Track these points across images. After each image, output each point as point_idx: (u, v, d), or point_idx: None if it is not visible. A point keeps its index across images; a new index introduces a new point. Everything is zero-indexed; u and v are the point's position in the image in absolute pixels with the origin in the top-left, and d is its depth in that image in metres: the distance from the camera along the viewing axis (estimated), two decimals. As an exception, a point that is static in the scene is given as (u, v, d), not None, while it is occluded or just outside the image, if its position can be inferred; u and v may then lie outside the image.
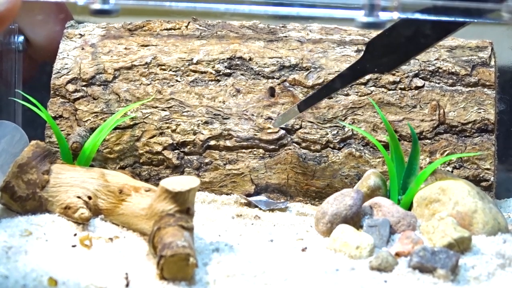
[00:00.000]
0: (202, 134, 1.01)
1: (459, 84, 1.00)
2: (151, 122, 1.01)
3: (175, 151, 1.01)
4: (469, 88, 0.99)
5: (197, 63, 1.02)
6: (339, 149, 0.99)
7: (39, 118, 0.97)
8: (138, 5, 0.91)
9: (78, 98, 1.03)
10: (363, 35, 1.03)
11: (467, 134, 0.98)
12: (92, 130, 0.99)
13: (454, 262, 0.77)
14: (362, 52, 0.92)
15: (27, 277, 0.72)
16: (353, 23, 0.82)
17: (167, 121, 1.01)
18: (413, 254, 0.78)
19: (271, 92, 1.02)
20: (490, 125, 0.98)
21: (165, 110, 1.01)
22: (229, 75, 1.02)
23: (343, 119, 1.00)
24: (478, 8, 0.82)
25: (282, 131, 1.00)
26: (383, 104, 0.99)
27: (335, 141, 0.99)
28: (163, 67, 1.03)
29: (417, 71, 1.00)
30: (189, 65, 1.02)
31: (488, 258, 0.80)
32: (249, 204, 0.98)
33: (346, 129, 0.99)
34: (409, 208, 0.90)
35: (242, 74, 1.02)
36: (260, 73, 1.02)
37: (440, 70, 1.00)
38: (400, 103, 0.99)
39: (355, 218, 0.86)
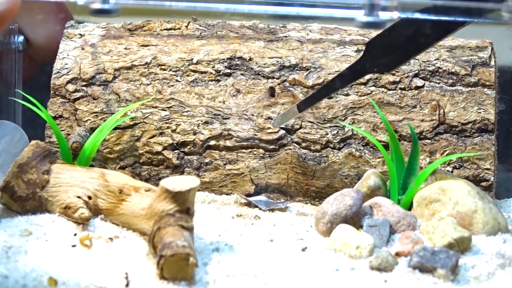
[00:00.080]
0: (202, 134, 1.01)
1: (459, 84, 1.00)
2: (151, 122, 1.01)
3: (175, 151, 1.01)
4: (469, 88, 0.99)
5: (197, 63, 1.02)
6: (339, 149, 0.99)
7: (39, 118, 0.97)
8: (138, 5, 0.91)
9: (78, 98, 1.03)
10: (363, 35, 1.03)
11: (467, 134, 0.98)
12: (92, 130, 0.99)
13: (454, 262, 0.77)
14: (362, 52, 0.92)
15: (27, 277, 0.72)
16: (353, 22, 0.82)
17: (167, 121, 1.01)
18: (413, 254, 0.78)
19: (271, 92, 1.02)
20: (490, 125, 0.98)
21: (165, 110, 1.01)
22: (229, 75, 1.02)
23: (343, 119, 1.00)
24: (478, 8, 0.82)
25: (282, 131, 1.00)
26: (383, 104, 0.99)
27: (335, 141, 0.99)
28: (163, 67, 1.03)
29: (417, 71, 1.00)
30: (189, 65, 1.03)
31: (488, 258, 0.80)
32: (249, 204, 0.98)
33: (346, 129, 0.99)
34: (409, 208, 0.90)
35: (242, 74, 1.02)
36: (260, 73, 1.02)
37: (440, 70, 1.00)
38: (400, 103, 0.99)
39: (355, 218, 0.86)
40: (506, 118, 1.05)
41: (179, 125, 1.01)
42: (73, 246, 0.79)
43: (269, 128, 1.00)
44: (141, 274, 0.74)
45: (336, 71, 0.99)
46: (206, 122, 1.01)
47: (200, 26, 1.05)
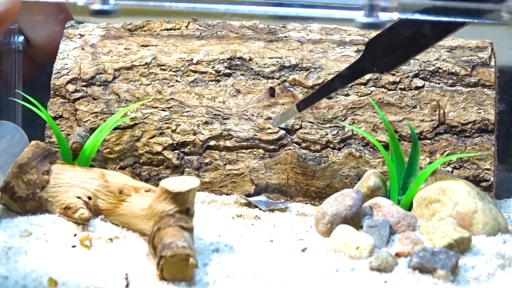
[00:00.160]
0: (202, 134, 1.01)
1: (459, 84, 1.00)
2: (151, 122, 1.01)
3: (175, 151, 1.01)
4: (469, 88, 0.99)
5: (197, 63, 1.02)
6: (339, 149, 0.99)
7: (39, 118, 0.97)
8: (138, 5, 0.91)
9: (78, 98, 1.03)
10: (363, 35, 1.03)
11: (467, 134, 0.98)
12: (92, 130, 0.99)
13: (454, 263, 0.77)
14: (362, 52, 0.92)
15: (27, 278, 0.72)
16: (352, 23, 0.82)
17: (167, 121, 1.01)
18: (413, 254, 0.78)
19: (271, 92, 1.02)
20: (490, 125, 0.98)
21: (165, 110, 1.01)
22: (229, 75, 1.02)
23: (343, 119, 1.00)
24: (478, 8, 0.82)
25: (282, 131, 1.00)
26: (383, 104, 0.99)
27: (335, 141, 0.99)
28: (163, 67, 1.03)
29: (417, 71, 1.00)
30: (189, 65, 1.02)
31: (488, 259, 0.80)
32: (249, 205, 0.98)
33: (346, 129, 0.99)
34: (409, 208, 0.90)
35: (242, 74, 1.02)
36: (260, 73, 1.02)
37: (440, 70, 1.00)
38: (400, 103, 0.99)
39: (355, 219, 0.86)
40: (506, 118, 1.05)
41: (179, 125, 1.01)
42: (73, 246, 0.79)
43: (269, 128, 1.00)
44: (141, 275, 0.74)
45: (336, 72, 0.99)
46: (206, 122, 1.01)
47: (200, 26, 1.05)
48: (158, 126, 1.01)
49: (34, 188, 0.86)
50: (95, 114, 1.02)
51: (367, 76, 0.99)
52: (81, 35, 1.05)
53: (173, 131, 1.01)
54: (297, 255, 0.81)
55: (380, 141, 0.96)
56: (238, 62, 1.02)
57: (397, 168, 0.92)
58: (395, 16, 0.83)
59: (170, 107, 1.01)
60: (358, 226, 0.86)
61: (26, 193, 0.86)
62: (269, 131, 1.00)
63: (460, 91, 0.99)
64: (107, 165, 1.01)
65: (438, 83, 1.00)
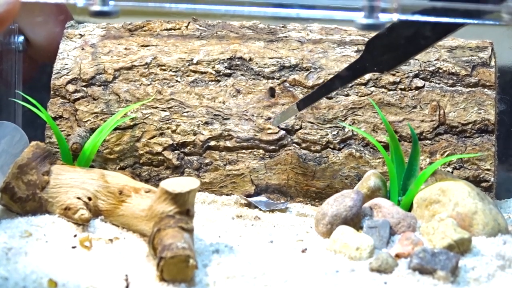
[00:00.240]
0: (202, 134, 1.01)
1: (459, 84, 1.00)
2: (151, 122, 1.01)
3: (175, 151, 1.01)
4: (469, 89, 0.99)
5: (197, 63, 1.02)
6: (339, 149, 0.99)
7: (39, 119, 0.97)
8: (138, 6, 0.91)
9: (78, 99, 1.02)
10: (363, 35, 1.03)
11: (467, 134, 0.98)
12: (92, 130, 0.99)
13: (454, 264, 0.77)
14: (362, 51, 0.92)
15: (27, 279, 0.72)
16: (352, 24, 0.82)
17: (167, 122, 1.01)
18: (413, 255, 0.78)
19: (271, 92, 1.01)
20: (490, 126, 0.98)
21: (165, 111, 1.01)
22: (229, 75, 1.02)
23: (343, 119, 1.00)
24: (478, 9, 0.82)
25: (282, 132, 1.00)
26: (383, 104, 0.99)
27: (335, 141, 0.99)
28: (163, 67, 1.03)
29: (417, 72, 1.00)
30: (189, 65, 1.02)
31: (488, 260, 0.80)
32: (249, 205, 0.98)
33: (346, 130, 0.99)
34: (409, 209, 0.90)
35: (242, 75, 1.02)
36: (260, 73, 1.02)
37: (440, 71, 1.00)
38: (400, 103, 0.99)
39: (355, 219, 0.86)
40: (506, 118, 1.05)
41: (179, 125, 1.01)
42: (73, 247, 0.80)
43: (269, 128, 1.00)
44: (141, 276, 0.74)
45: (336, 72, 0.99)
46: (206, 123, 1.01)
47: (200, 26, 1.05)
48: (158, 126, 1.01)
49: (34, 188, 0.86)
50: (95, 115, 1.02)
51: (367, 76, 0.99)
52: (81, 35, 1.05)
53: (173, 131, 1.01)
54: (297, 256, 0.81)
55: (380, 142, 0.96)
56: (238, 62, 1.02)
57: (397, 168, 0.92)
58: (395, 17, 0.83)
59: (170, 107, 1.01)
60: (358, 227, 0.86)
61: (26, 193, 0.86)
62: (269, 131, 1.00)
63: (460, 91, 0.99)
64: (107, 166, 1.01)
65: (438, 83, 1.00)
